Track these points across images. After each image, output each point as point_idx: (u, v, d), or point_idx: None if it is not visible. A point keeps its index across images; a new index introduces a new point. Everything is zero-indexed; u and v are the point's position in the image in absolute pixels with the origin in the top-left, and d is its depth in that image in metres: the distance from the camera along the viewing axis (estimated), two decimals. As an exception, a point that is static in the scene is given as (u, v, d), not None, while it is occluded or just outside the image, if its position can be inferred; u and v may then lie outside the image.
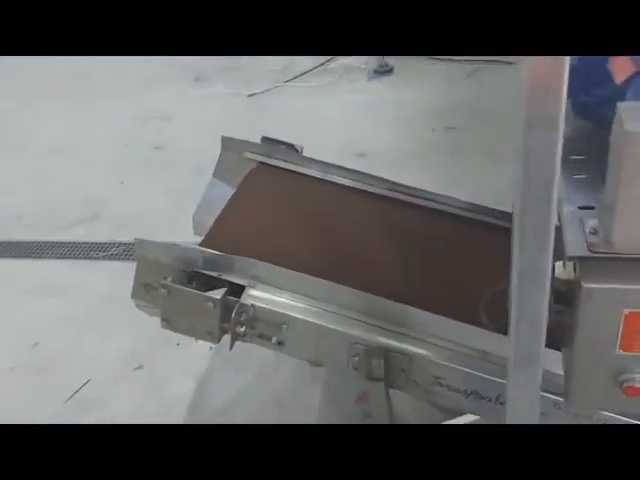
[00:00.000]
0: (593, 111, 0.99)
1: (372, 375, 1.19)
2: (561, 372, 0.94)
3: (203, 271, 1.23)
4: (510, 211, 1.51)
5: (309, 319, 1.20)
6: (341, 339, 1.20)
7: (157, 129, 3.23)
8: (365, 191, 1.52)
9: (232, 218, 1.44)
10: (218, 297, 1.17)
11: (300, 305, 1.21)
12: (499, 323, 0.93)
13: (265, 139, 1.65)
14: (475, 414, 1.25)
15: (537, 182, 0.63)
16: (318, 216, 1.45)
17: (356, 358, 1.19)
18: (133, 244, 2.50)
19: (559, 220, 0.91)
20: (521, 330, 0.71)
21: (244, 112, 3.35)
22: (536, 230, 0.65)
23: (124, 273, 2.39)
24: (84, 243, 2.59)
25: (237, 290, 1.23)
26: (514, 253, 0.68)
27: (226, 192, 1.63)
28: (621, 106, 0.73)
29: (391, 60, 3.40)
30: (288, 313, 1.20)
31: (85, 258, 2.53)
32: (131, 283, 2.33)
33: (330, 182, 1.54)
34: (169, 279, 1.21)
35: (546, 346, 0.82)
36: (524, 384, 0.76)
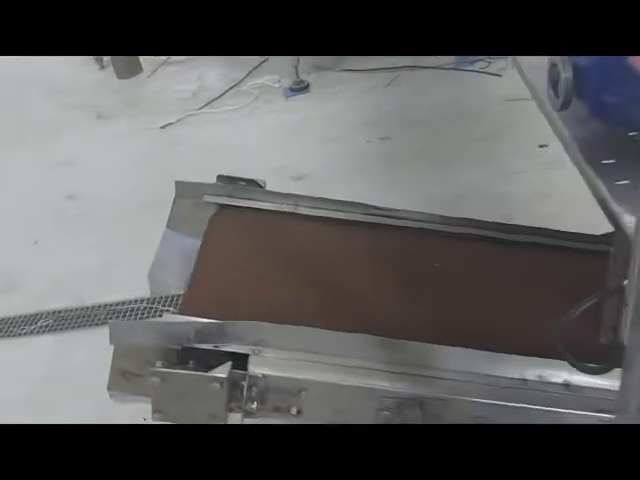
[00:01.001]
0: (620, 112, 0.92)
1: (408, 428, 1.06)
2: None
3: (196, 345, 1.04)
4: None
5: (330, 380, 1.04)
6: (368, 395, 1.05)
7: (65, 177, 2.92)
8: (346, 220, 1.39)
9: (208, 275, 1.25)
10: (224, 375, 0.99)
11: (317, 365, 1.05)
12: (580, 351, 0.83)
13: (221, 177, 1.48)
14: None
15: None
16: (304, 256, 1.30)
17: (387, 412, 1.06)
18: (63, 311, 2.25)
19: (619, 232, 0.82)
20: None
21: (159, 147, 3.11)
22: None
23: (58, 347, 2.12)
24: (4, 319, 2.25)
25: (239, 361, 1.05)
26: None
27: (184, 244, 1.44)
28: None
29: (304, 76, 3.29)
30: (305, 377, 1.04)
31: (8, 336, 2.20)
32: (69, 356, 2.06)
33: (305, 216, 1.40)
34: (159, 364, 1.00)
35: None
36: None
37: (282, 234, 1.36)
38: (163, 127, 3.20)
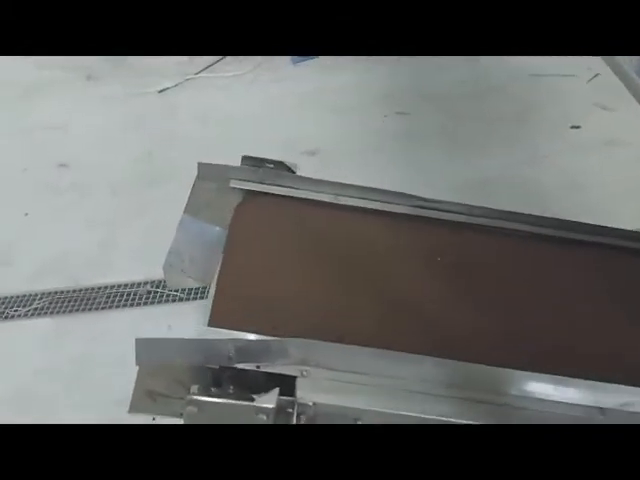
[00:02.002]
0: None
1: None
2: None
3: (237, 366, 0.89)
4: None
5: (389, 409, 0.90)
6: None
7: (56, 143, 2.71)
8: (392, 212, 1.23)
9: (238, 275, 1.09)
10: (272, 406, 0.85)
11: (373, 389, 0.91)
12: None
13: (247, 158, 1.31)
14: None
15: None
16: (351, 256, 1.15)
17: (451, 444, 0.92)
18: (59, 292, 2.08)
19: None
20: None
21: (157, 113, 2.89)
22: None
23: (56, 332, 1.95)
24: (-6, 298, 2.07)
25: (284, 382, 0.91)
26: None
27: (205, 232, 1.28)
28: None
29: (313, 40, 3.08)
30: (361, 406, 0.90)
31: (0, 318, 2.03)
32: (66, 344, 1.90)
33: (345, 206, 1.24)
34: (195, 389, 0.85)
35: None
36: None
37: (320, 227, 1.21)
38: (161, 91, 2.98)
